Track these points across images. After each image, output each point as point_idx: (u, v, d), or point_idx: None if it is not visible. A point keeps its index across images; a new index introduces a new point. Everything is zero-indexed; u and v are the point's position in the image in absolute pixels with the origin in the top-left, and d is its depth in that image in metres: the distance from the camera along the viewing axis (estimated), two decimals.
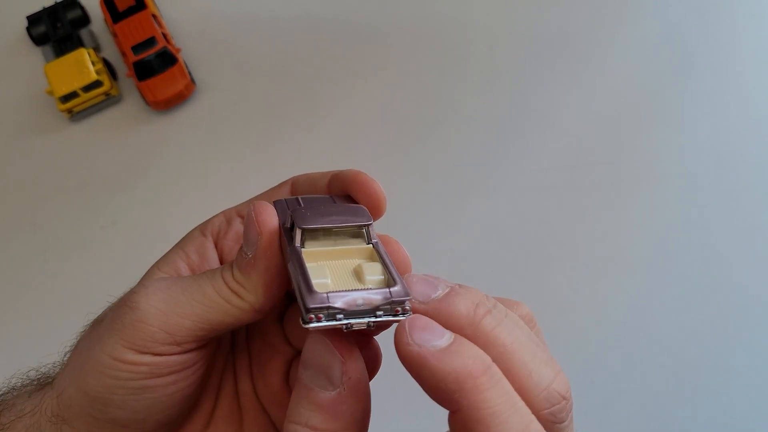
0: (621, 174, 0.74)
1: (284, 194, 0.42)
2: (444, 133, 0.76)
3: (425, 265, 0.70)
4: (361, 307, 0.30)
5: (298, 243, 0.34)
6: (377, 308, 0.30)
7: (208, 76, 0.81)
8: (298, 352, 0.40)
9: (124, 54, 0.79)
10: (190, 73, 0.79)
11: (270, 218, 0.35)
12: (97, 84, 0.77)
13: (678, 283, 0.69)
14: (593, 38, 0.80)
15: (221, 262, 0.40)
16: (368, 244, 0.35)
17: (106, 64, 0.80)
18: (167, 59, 0.77)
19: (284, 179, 0.42)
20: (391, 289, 0.30)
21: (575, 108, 0.77)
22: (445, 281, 0.34)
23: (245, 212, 0.40)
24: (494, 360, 0.30)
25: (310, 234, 0.34)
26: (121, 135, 0.79)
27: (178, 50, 0.79)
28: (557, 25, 0.81)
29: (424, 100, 0.78)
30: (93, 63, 0.77)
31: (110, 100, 0.80)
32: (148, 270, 0.40)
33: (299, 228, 0.33)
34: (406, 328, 0.29)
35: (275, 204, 0.38)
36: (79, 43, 0.80)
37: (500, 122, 0.77)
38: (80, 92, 0.76)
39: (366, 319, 0.30)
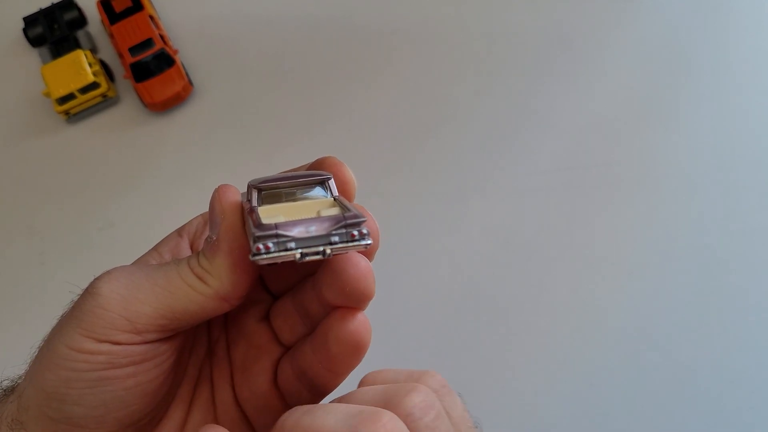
0: (620, 176, 0.74)
1: None
2: (442, 135, 0.76)
3: (425, 267, 0.70)
4: (314, 233, 0.29)
5: (255, 203, 0.33)
6: (331, 234, 0.29)
7: (206, 77, 0.80)
8: (287, 349, 0.39)
9: (121, 55, 0.79)
10: (187, 75, 0.79)
11: (232, 196, 0.34)
12: (94, 86, 0.76)
13: (677, 286, 0.69)
14: (592, 40, 0.80)
15: None
16: (330, 196, 0.33)
17: (103, 65, 0.80)
18: (164, 61, 0.77)
19: None
20: (345, 214, 0.29)
21: (574, 110, 0.77)
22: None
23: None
24: None
25: (268, 194, 0.33)
26: (118, 137, 0.79)
27: (176, 52, 0.79)
28: (556, 27, 0.81)
29: (422, 102, 0.78)
30: (90, 64, 0.77)
31: (107, 101, 0.79)
32: None
33: (253, 188, 0.33)
34: None
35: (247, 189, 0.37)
36: (75, 45, 0.80)
37: (499, 124, 0.76)
38: (77, 94, 0.76)
39: (321, 247, 0.29)
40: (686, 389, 0.65)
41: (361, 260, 0.35)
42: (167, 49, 0.78)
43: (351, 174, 0.37)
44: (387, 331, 0.68)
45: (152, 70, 0.77)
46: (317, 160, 0.38)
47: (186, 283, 0.34)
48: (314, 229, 0.29)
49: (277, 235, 0.28)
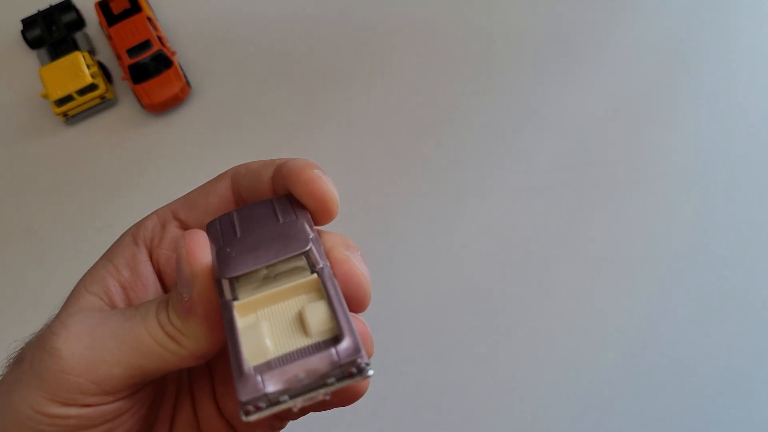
0: (620, 175, 0.74)
1: (223, 190, 0.37)
2: (442, 135, 0.76)
3: (423, 265, 0.70)
4: (305, 382, 0.26)
5: (228, 296, 0.29)
6: (327, 377, 0.26)
7: (204, 78, 0.80)
8: None
9: (119, 57, 0.79)
10: (185, 76, 0.79)
11: (203, 255, 0.30)
12: (92, 87, 0.76)
13: (677, 285, 0.69)
14: (591, 39, 0.80)
15: (158, 276, 0.36)
16: (312, 273, 0.30)
17: (102, 67, 0.80)
18: (162, 62, 0.77)
19: None
20: (338, 349, 0.26)
21: (573, 109, 0.77)
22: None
23: (175, 245, 0.34)
24: None
25: (240, 279, 0.29)
26: (116, 138, 0.79)
27: (174, 53, 0.79)
28: (555, 26, 0.81)
29: (421, 102, 0.78)
30: (88, 66, 0.77)
31: (106, 103, 0.79)
32: (74, 288, 0.35)
33: (222, 279, 0.29)
34: None
35: (209, 228, 0.33)
36: (74, 47, 0.80)
37: (498, 123, 0.77)
38: (75, 96, 0.76)
39: (314, 393, 0.26)
40: (686, 388, 0.66)
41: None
42: (165, 50, 0.78)
43: (331, 192, 0.33)
44: (386, 329, 0.68)
45: (150, 72, 0.77)
46: (287, 166, 0.34)
47: (157, 344, 0.30)
48: (305, 377, 0.26)
49: (266, 395, 0.25)
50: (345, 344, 0.26)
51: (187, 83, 0.79)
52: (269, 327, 0.28)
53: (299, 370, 0.26)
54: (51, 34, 0.81)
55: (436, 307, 0.70)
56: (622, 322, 0.68)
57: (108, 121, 0.80)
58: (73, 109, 0.77)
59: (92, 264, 0.37)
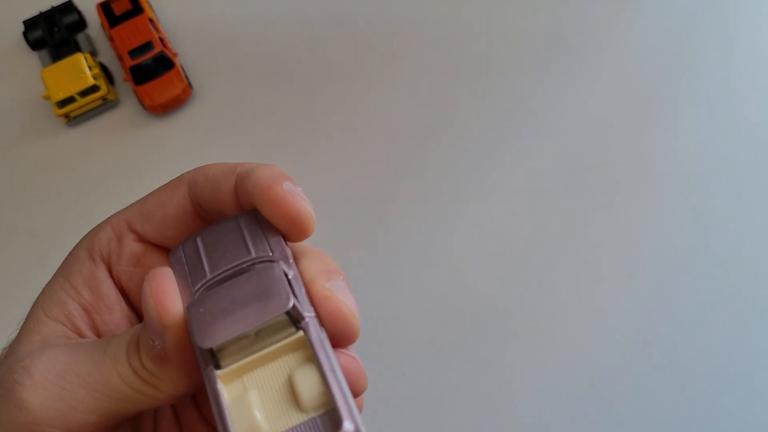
0: (620, 176, 0.74)
1: (180, 200, 0.34)
2: (441, 136, 0.76)
3: (423, 266, 0.70)
4: None
5: (209, 364, 0.27)
6: None
7: (206, 80, 0.80)
8: None
9: (120, 58, 0.79)
10: (187, 78, 0.79)
11: (172, 304, 0.28)
12: (94, 89, 0.76)
13: (677, 286, 0.69)
14: (591, 40, 0.80)
15: (123, 294, 0.34)
16: (297, 330, 0.28)
17: (103, 68, 0.80)
18: (164, 63, 0.77)
19: None
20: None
21: (573, 110, 0.77)
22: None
23: (143, 284, 0.30)
24: None
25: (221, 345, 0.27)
26: (118, 139, 0.79)
27: (175, 54, 0.79)
28: (555, 27, 0.81)
29: (421, 104, 0.78)
30: (90, 68, 0.77)
31: (107, 104, 0.79)
32: (31, 310, 0.33)
33: (200, 348, 0.27)
34: None
35: (173, 259, 0.31)
36: (75, 48, 0.80)
37: (497, 124, 0.77)
38: (77, 97, 0.76)
39: None
40: (686, 390, 0.65)
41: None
42: (167, 51, 0.78)
43: (305, 209, 0.30)
44: (387, 331, 0.68)
45: (152, 73, 0.77)
46: (251, 182, 0.31)
47: (132, 389, 0.29)
48: None
49: None
50: (346, 428, 0.25)
51: (189, 85, 0.79)
52: (259, 398, 0.27)
53: None
54: (53, 36, 0.81)
55: (436, 309, 0.69)
56: (622, 323, 0.68)
57: (109, 122, 0.80)
58: (74, 110, 0.77)
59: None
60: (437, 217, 0.73)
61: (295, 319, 0.27)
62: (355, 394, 0.29)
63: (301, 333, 0.27)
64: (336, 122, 0.78)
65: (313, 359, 0.27)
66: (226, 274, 0.29)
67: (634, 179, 0.74)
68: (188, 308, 0.28)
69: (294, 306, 0.27)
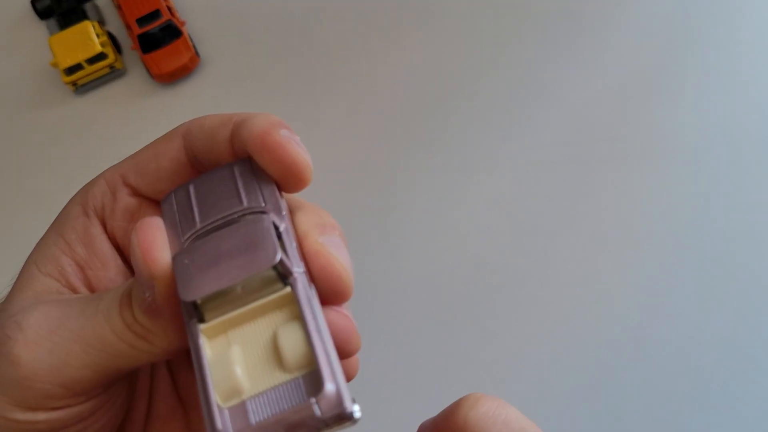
0: (627, 150, 0.73)
1: (174, 152, 0.33)
2: (449, 108, 0.76)
3: (428, 239, 0.70)
4: None
5: (192, 317, 0.26)
6: (308, 429, 0.24)
7: (213, 49, 0.80)
8: None
9: (128, 27, 0.79)
10: (194, 47, 0.79)
11: (160, 254, 0.27)
12: (101, 56, 0.76)
13: (683, 261, 0.69)
14: (599, 13, 0.80)
15: (117, 249, 0.33)
16: (285, 286, 0.27)
17: (111, 37, 0.80)
18: (172, 32, 0.77)
19: None
20: (320, 401, 0.24)
21: (579, 83, 0.76)
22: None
23: (131, 235, 0.29)
24: None
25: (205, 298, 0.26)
26: (125, 108, 0.79)
27: (183, 23, 0.79)
28: (562, 0, 0.80)
29: (429, 75, 0.78)
30: (98, 36, 0.77)
31: (114, 73, 0.79)
32: (24, 267, 0.32)
33: (183, 301, 0.26)
34: None
35: (164, 207, 0.31)
36: (83, 17, 0.80)
37: (504, 97, 0.76)
38: (84, 64, 0.76)
39: None
40: (691, 363, 0.66)
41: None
42: (174, 20, 0.78)
43: (302, 157, 0.29)
44: (390, 303, 0.69)
45: (159, 42, 0.77)
46: (247, 129, 0.30)
47: (125, 343, 0.28)
48: None
49: None
50: (327, 395, 0.24)
51: (196, 53, 0.79)
52: (242, 354, 0.26)
53: (278, 426, 0.24)
54: (60, 5, 0.81)
55: (441, 282, 0.70)
56: (627, 296, 0.68)
57: (117, 91, 0.80)
58: (82, 78, 0.77)
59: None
60: (444, 189, 0.73)
61: (282, 274, 0.26)
62: (347, 354, 0.29)
63: (288, 289, 0.26)
64: (343, 93, 0.78)
65: (299, 317, 0.26)
66: (216, 224, 0.29)
67: (640, 153, 0.73)
68: (174, 258, 0.27)
69: (281, 260, 0.26)
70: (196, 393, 0.34)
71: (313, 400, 0.24)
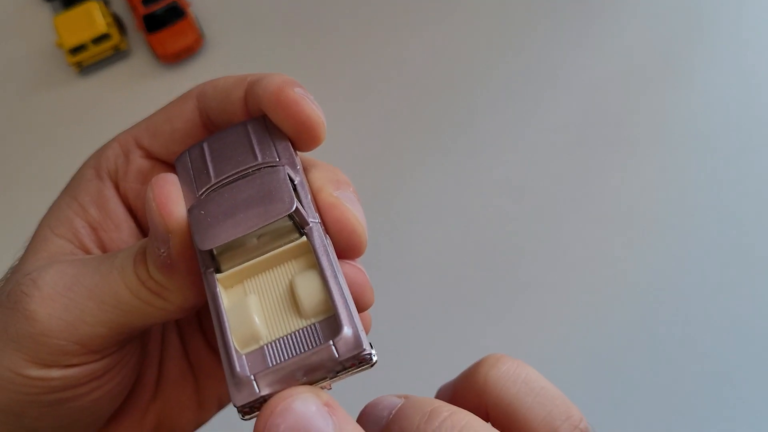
0: (636, 132, 0.73)
1: (188, 113, 0.33)
2: (456, 90, 0.76)
3: (438, 220, 0.70)
4: (303, 380, 0.24)
5: (209, 267, 0.26)
6: (326, 371, 0.24)
7: (218, 30, 0.80)
8: None
9: (133, 7, 0.79)
10: (199, 27, 0.78)
11: (176, 208, 0.27)
12: (106, 37, 0.76)
13: (691, 242, 0.69)
14: None
15: (130, 211, 0.33)
16: (301, 236, 0.27)
17: (116, 18, 0.80)
18: (176, 13, 0.77)
19: None
20: (337, 344, 0.24)
21: (591, 68, 0.76)
22: (391, 401, 0.26)
23: (144, 180, 0.30)
24: None
25: (221, 247, 0.26)
26: (129, 89, 0.79)
27: (188, 4, 0.79)
28: None
29: (437, 58, 0.78)
30: (103, 16, 0.77)
31: (119, 54, 0.79)
32: (38, 229, 0.32)
33: (200, 250, 0.26)
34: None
35: (178, 165, 0.30)
36: None
37: (513, 80, 0.76)
38: (89, 44, 0.76)
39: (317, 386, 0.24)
40: (698, 344, 0.65)
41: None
42: (179, 1, 0.78)
43: (315, 114, 0.29)
44: (398, 284, 0.69)
45: (164, 22, 0.77)
46: (262, 86, 0.30)
47: (140, 300, 0.28)
48: (303, 376, 0.24)
49: (262, 398, 0.23)
50: (344, 335, 0.24)
51: (201, 34, 0.78)
52: (258, 303, 0.26)
53: (296, 368, 0.24)
54: None
55: (450, 263, 0.69)
56: (637, 278, 0.68)
57: (121, 71, 0.80)
58: (86, 59, 0.77)
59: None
60: (453, 173, 0.73)
61: (298, 223, 0.27)
62: (361, 307, 0.29)
63: (304, 238, 0.27)
64: (349, 75, 0.77)
65: (315, 266, 0.26)
66: (230, 178, 0.29)
67: (650, 137, 0.73)
68: (189, 210, 0.27)
69: (297, 209, 0.26)
70: (205, 358, 0.35)
71: (330, 342, 0.24)
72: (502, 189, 0.72)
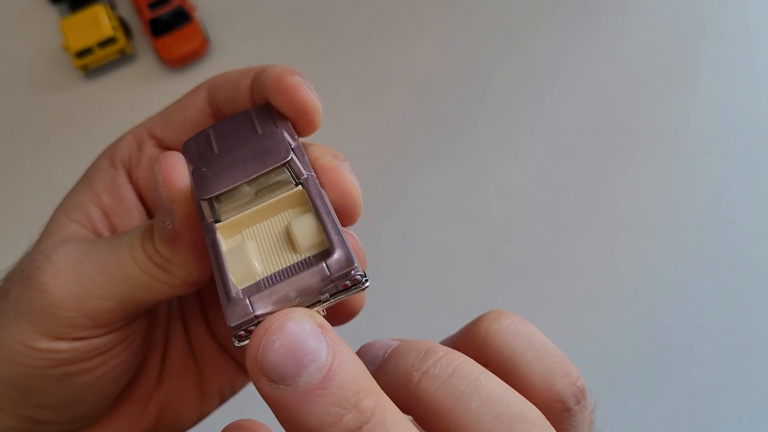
0: (641, 139, 0.73)
1: (199, 103, 0.34)
2: (463, 96, 0.76)
3: (441, 226, 0.70)
4: (296, 300, 0.24)
5: (209, 218, 0.27)
6: (318, 292, 0.24)
7: (223, 34, 0.80)
8: None
9: (139, 11, 0.79)
10: (205, 32, 0.79)
11: (180, 178, 0.28)
12: (112, 40, 0.76)
13: (695, 249, 0.69)
14: (614, 2, 0.79)
15: (140, 198, 0.34)
16: (297, 185, 0.28)
17: (122, 22, 0.80)
18: (182, 17, 0.77)
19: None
20: (329, 262, 0.24)
21: (595, 73, 0.76)
22: (387, 342, 0.27)
23: (152, 168, 0.31)
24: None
25: (221, 199, 0.27)
26: (134, 92, 0.79)
27: (194, 8, 0.79)
28: None
29: (442, 62, 0.78)
30: (109, 19, 0.77)
31: (125, 58, 0.79)
32: (53, 215, 0.34)
33: (200, 200, 0.27)
34: (259, 349, 0.22)
35: (185, 148, 0.31)
36: (94, 1, 0.80)
37: (517, 85, 0.76)
38: (95, 48, 0.76)
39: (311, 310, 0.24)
40: (700, 353, 0.65)
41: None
42: (185, 5, 0.78)
43: (312, 99, 0.31)
44: (400, 291, 0.69)
45: (170, 26, 0.77)
46: (266, 73, 0.31)
47: (147, 274, 0.29)
48: (296, 296, 0.24)
49: (256, 318, 0.23)
50: (336, 257, 0.24)
51: (207, 38, 0.78)
52: (256, 247, 0.27)
53: (289, 288, 0.24)
54: None
55: (453, 269, 0.69)
56: (639, 285, 0.68)
57: (127, 75, 0.80)
58: (92, 62, 0.77)
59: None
60: (457, 177, 0.73)
61: (294, 173, 0.28)
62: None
63: (300, 188, 0.28)
64: (354, 80, 0.78)
65: (311, 210, 0.27)
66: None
67: (655, 142, 0.73)
68: (193, 171, 0.28)
69: (293, 159, 0.27)
70: (209, 348, 0.36)
71: (323, 263, 0.24)
72: (504, 194, 0.72)
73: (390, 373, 0.25)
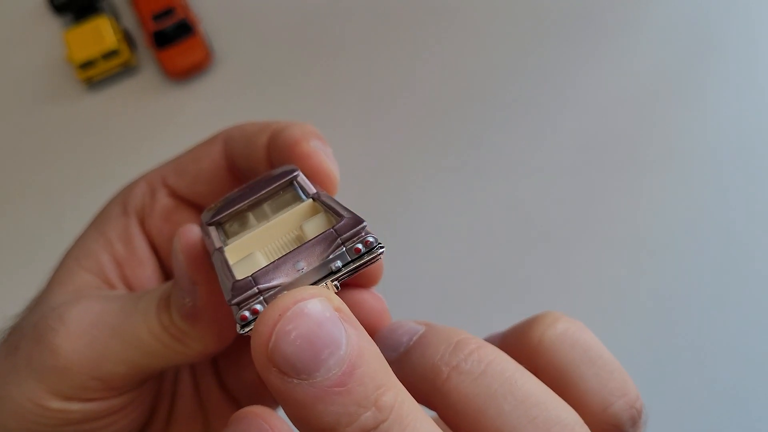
0: (645, 155, 0.73)
1: (215, 155, 0.34)
2: (465, 110, 0.76)
3: (444, 243, 0.70)
4: (306, 269, 0.22)
5: (217, 243, 0.26)
6: (329, 260, 0.22)
7: (227, 47, 0.80)
8: None
9: (143, 23, 0.79)
10: (209, 44, 0.78)
11: (201, 257, 0.28)
12: (116, 53, 0.76)
13: (700, 266, 0.68)
14: (618, 17, 0.79)
15: (153, 248, 0.34)
16: (307, 198, 0.26)
17: (126, 34, 0.80)
18: (186, 29, 0.77)
19: None
20: (337, 226, 0.22)
21: (599, 88, 0.76)
22: (413, 327, 0.26)
23: (170, 236, 0.31)
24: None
25: (231, 224, 0.26)
26: (138, 105, 0.79)
27: (198, 20, 0.79)
28: (581, 3, 0.80)
29: (445, 76, 0.77)
30: (113, 31, 0.77)
31: (128, 70, 0.79)
32: (63, 260, 0.33)
33: (206, 225, 0.26)
34: (272, 338, 0.19)
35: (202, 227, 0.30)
36: (98, 12, 0.80)
37: (521, 100, 0.76)
38: (99, 60, 0.76)
39: (322, 283, 0.22)
40: (705, 369, 0.65)
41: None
42: (189, 17, 0.78)
43: (331, 169, 0.30)
44: (405, 303, 0.68)
45: (173, 39, 0.77)
46: (283, 136, 0.30)
47: (162, 345, 0.29)
48: (304, 265, 0.21)
49: (260, 292, 0.21)
50: (345, 220, 0.22)
51: (210, 51, 0.78)
52: (264, 255, 0.24)
53: (297, 258, 0.22)
54: (76, 0, 0.81)
55: (452, 285, 0.69)
56: (643, 302, 0.67)
57: (130, 87, 0.80)
58: (96, 74, 0.77)
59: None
60: (459, 192, 0.72)
61: (303, 188, 0.27)
62: (366, 281, 0.30)
63: (310, 201, 0.26)
64: (358, 93, 0.77)
65: (322, 211, 0.25)
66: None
67: (659, 158, 0.73)
68: (202, 218, 0.28)
69: (299, 174, 0.26)
70: (217, 398, 0.35)
71: (331, 228, 0.22)
72: (510, 209, 0.71)
73: (416, 364, 0.24)
